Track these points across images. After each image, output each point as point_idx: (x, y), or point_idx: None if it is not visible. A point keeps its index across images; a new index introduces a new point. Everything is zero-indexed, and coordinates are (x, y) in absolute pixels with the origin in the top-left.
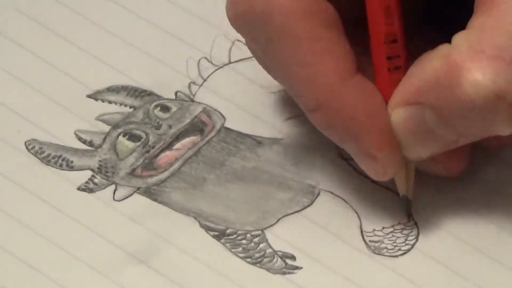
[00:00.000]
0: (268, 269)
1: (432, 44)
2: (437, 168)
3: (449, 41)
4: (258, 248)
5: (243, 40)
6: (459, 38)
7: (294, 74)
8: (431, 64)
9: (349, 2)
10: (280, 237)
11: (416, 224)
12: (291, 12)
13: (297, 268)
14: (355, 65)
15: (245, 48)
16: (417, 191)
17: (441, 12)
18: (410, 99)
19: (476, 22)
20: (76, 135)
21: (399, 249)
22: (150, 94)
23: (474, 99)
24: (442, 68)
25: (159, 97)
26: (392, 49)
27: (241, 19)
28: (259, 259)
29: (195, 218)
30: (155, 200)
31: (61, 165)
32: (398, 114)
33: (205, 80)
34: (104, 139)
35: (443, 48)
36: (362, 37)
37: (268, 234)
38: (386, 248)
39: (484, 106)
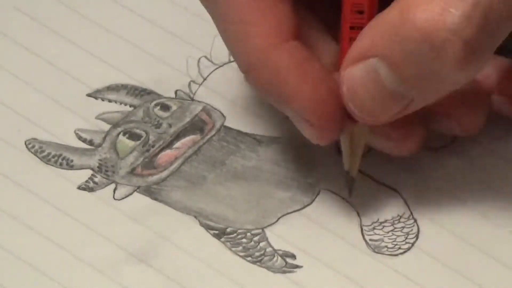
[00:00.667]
0: (268, 268)
1: None
2: (389, 146)
3: None
4: (258, 247)
5: None
6: None
7: (229, 32)
8: (384, 15)
9: None
10: (280, 236)
11: (416, 222)
12: None
13: (297, 266)
14: (294, 31)
15: None
16: (417, 190)
17: None
18: (362, 53)
19: None
20: (76, 134)
21: (399, 248)
22: (150, 93)
23: (425, 32)
24: (394, 13)
25: (159, 96)
26: (358, 20)
27: None
28: (259, 258)
29: (195, 217)
30: (155, 199)
31: (61, 164)
32: (350, 72)
33: (205, 79)
34: (104, 138)
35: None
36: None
37: (268, 233)
38: (386, 246)
39: (435, 40)
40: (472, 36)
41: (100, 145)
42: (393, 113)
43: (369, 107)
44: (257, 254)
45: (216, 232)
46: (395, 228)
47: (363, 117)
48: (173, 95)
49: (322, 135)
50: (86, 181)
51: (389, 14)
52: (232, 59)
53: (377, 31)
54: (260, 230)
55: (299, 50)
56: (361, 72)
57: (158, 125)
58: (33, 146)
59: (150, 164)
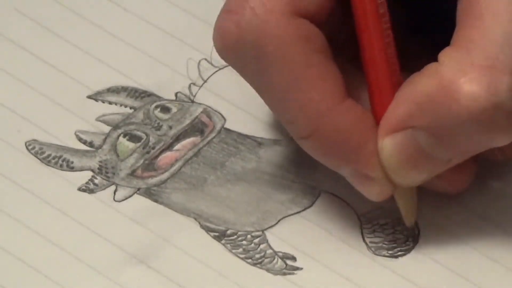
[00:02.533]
0: (268, 270)
1: (418, 59)
2: (441, 185)
3: (434, 57)
4: (259, 249)
5: None
6: (446, 54)
7: (286, 101)
8: (421, 85)
9: (335, 27)
10: (281, 238)
11: (416, 225)
12: (283, 39)
13: (297, 269)
14: (345, 90)
15: None
16: (417, 191)
17: (424, 27)
18: (400, 124)
19: (462, 36)
20: (77, 135)
21: (400, 250)
22: (150, 95)
23: (471, 111)
24: (433, 86)
25: (159, 98)
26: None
27: (230, 50)
28: (260, 260)
29: (196, 218)
30: (155, 200)
31: (61, 166)
32: (388, 142)
33: (205, 81)
34: (105, 139)
35: (431, 67)
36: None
37: (269, 235)
38: (386, 249)
39: (482, 118)
40: None
41: (100, 146)
42: (431, 174)
43: (408, 172)
44: (257, 256)
45: (217, 234)
46: (396, 230)
47: (401, 182)
48: (173, 97)
49: (384, 189)
50: (87, 183)
51: (427, 85)
52: None
53: (413, 101)
54: (260, 232)
55: (356, 107)
56: (399, 140)
57: (159, 127)
58: (34, 148)
59: (150, 166)
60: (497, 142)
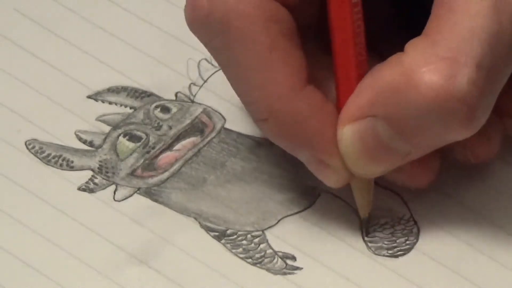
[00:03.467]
0: (268, 270)
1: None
2: (402, 179)
3: None
4: (259, 248)
5: None
6: (412, 45)
7: (247, 80)
8: (383, 73)
9: (308, 13)
10: (281, 237)
11: (416, 224)
12: (251, 19)
13: (297, 268)
14: (308, 76)
15: None
16: (417, 192)
17: (412, 23)
18: (361, 112)
19: (431, 27)
20: (77, 135)
21: (400, 250)
22: (150, 95)
23: (430, 101)
24: (395, 75)
25: (159, 98)
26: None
27: (199, 23)
28: (260, 260)
29: (196, 218)
30: (155, 200)
31: (61, 165)
32: (347, 130)
33: (205, 81)
34: (105, 139)
35: (395, 57)
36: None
37: (269, 234)
38: (386, 248)
39: (441, 109)
40: (477, 100)
41: (100, 146)
42: (389, 166)
43: (366, 163)
44: (257, 255)
45: (216, 233)
46: (395, 230)
47: (359, 172)
48: (173, 97)
49: (341, 177)
50: (87, 182)
51: (390, 74)
52: None
53: (376, 91)
54: (260, 232)
55: (316, 94)
56: (359, 129)
57: (159, 127)
58: (34, 147)
59: (150, 165)
60: (455, 136)
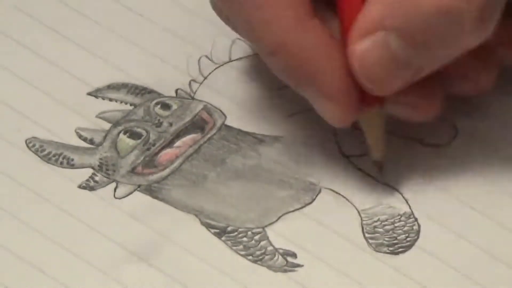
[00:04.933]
0: (269, 267)
1: None
2: (407, 111)
3: None
4: (259, 245)
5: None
6: None
7: (254, 17)
8: None
9: None
10: (281, 234)
11: (417, 221)
12: None
13: (298, 265)
14: (313, 9)
15: (246, 46)
16: (418, 188)
17: None
18: (372, 27)
19: None
20: (77, 133)
21: (400, 247)
22: (151, 92)
23: (440, 5)
24: None
25: (159, 95)
26: None
27: None
28: (260, 257)
29: (196, 215)
30: (156, 197)
31: (61, 163)
32: (360, 46)
33: (205, 78)
34: (105, 137)
35: None
36: None
37: (269, 231)
38: (387, 245)
39: (451, 13)
40: (486, 1)
41: (100, 144)
42: (404, 81)
43: (381, 78)
44: (258, 253)
45: (217, 231)
46: (396, 227)
47: (375, 88)
48: (173, 94)
49: (346, 113)
50: (87, 180)
51: None
52: (232, 57)
53: (384, 4)
54: (261, 229)
55: (321, 27)
56: (371, 45)
57: (159, 124)
58: (34, 145)
59: (150, 162)
60: (469, 39)
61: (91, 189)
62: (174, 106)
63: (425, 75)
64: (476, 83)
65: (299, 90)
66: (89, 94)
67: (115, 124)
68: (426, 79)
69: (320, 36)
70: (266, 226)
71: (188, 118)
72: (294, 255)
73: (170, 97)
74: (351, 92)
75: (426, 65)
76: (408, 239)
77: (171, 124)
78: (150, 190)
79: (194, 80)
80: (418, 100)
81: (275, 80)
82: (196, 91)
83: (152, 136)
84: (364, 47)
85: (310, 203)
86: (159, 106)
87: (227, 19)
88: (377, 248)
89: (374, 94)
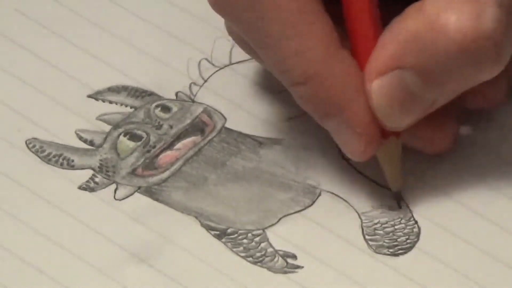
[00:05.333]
0: (269, 269)
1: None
2: (423, 144)
3: None
4: (259, 247)
5: None
6: None
7: (282, 48)
8: (405, 24)
9: None
10: (281, 236)
11: (417, 223)
12: None
13: (298, 267)
14: (339, 39)
15: None
16: (418, 191)
17: None
18: (388, 66)
19: None
20: (77, 134)
21: (400, 248)
22: (151, 94)
23: (460, 42)
24: (419, 23)
25: (159, 97)
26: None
27: (225, 2)
28: (260, 259)
29: (196, 217)
30: (156, 199)
31: (62, 164)
32: (376, 84)
33: (206, 81)
34: (105, 138)
35: (414, 6)
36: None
37: (269, 233)
38: (387, 247)
39: (471, 49)
40: (502, 36)
41: (100, 145)
42: (419, 115)
43: (397, 114)
44: (258, 254)
45: (217, 232)
46: (396, 229)
47: (391, 124)
48: (174, 97)
49: (370, 146)
50: (87, 181)
51: (413, 24)
52: (233, 60)
53: (400, 42)
54: (261, 231)
55: (350, 58)
56: (387, 82)
57: (159, 126)
58: (34, 146)
59: (151, 164)
60: (484, 75)
61: (91, 190)
62: (174, 109)
63: (439, 106)
64: (485, 96)
65: (324, 120)
66: (90, 96)
67: (115, 126)
68: (440, 111)
69: (349, 67)
70: (266, 228)
71: (188, 121)
72: (294, 257)
73: (171, 100)
74: (375, 124)
75: (440, 99)
76: (408, 241)
77: (171, 127)
78: (150, 192)
79: (194, 83)
80: (433, 134)
81: (275, 83)
82: (196, 93)
83: (152, 138)
84: (380, 84)
85: (310, 205)
86: (159, 108)
87: (243, 44)
88: (377, 249)
89: (391, 129)
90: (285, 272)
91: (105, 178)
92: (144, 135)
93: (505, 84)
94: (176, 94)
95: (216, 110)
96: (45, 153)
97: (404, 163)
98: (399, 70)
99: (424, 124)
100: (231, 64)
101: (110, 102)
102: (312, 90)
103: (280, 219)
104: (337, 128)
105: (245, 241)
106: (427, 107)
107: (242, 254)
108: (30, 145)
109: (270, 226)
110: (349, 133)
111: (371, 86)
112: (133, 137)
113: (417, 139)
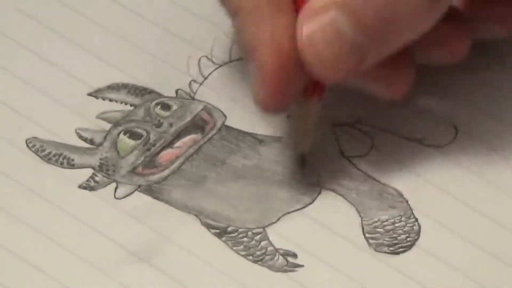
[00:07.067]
0: (269, 267)
1: None
2: (377, 86)
3: None
4: (260, 246)
5: None
6: None
7: None
8: None
9: None
10: (282, 235)
11: (417, 220)
12: None
13: (298, 266)
14: None
15: None
16: (418, 189)
17: None
18: (321, 6)
19: None
20: (77, 133)
21: (400, 247)
22: (151, 92)
23: None
24: None
25: (159, 95)
26: None
27: None
28: (261, 257)
29: (196, 216)
30: (156, 198)
31: (62, 163)
32: (308, 27)
33: (205, 79)
34: (105, 137)
35: None
36: None
37: (270, 232)
38: (387, 245)
39: None
40: None
41: (101, 144)
42: (351, 64)
43: (328, 59)
44: (258, 253)
45: (217, 231)
46: (396, 227)
47: (320, 70)
48: (174, 95)
49: (273, 97)
50: (87, 180)
51: None
52: (232, 58)
53: None
54: (261, 229)
55: (287, 7)
56: (320, 25)
57: (159, 124)
58: (34, 145)
59: (151, 163)
60: (417, 26)
61: (92, 189)
62: (174, 107)
63: (377, 61)
64: (450, 51)
65: (247, 61)
66: (90, 94)
67: (115, 124)
68: (397, 54)
69: (279, 12)
70: (266, 226)
71: (188, 119)
72: (294, 255)
73: (170, 98)
74: (286, 77)
75: (373, 49)
76: (409, 239)
77: (171, 125)
78: (151, 191)
79: (194, 81)
80: (389, 73)
81: None
82: (196, 91)
83: (153, 137)
84: (313, 26)
85: (311, 203)
86: (159, 106)
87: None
88: (377, 248)
89: (321, 78)
90: (286, 271)
91: (105, 177)
92: (144, 133)
93: (468, 40)
94: (176, 91)
95: (216, 108)
96: (45, 152)
97: (400, 153)
98: (332, 11)
99: (380, 64)
100: (231, 61)
101: (110, 100)
102: (240, 24)
103: (280, 217)
104: (252, 71)
105: (245, 239)
106: (359, 55)
107: (242, 253)
108: (30, 145)
109: (270, 224)
110: (257, 78)
111: (302, 26)
112: (133, 135)
113: (372, 81)
